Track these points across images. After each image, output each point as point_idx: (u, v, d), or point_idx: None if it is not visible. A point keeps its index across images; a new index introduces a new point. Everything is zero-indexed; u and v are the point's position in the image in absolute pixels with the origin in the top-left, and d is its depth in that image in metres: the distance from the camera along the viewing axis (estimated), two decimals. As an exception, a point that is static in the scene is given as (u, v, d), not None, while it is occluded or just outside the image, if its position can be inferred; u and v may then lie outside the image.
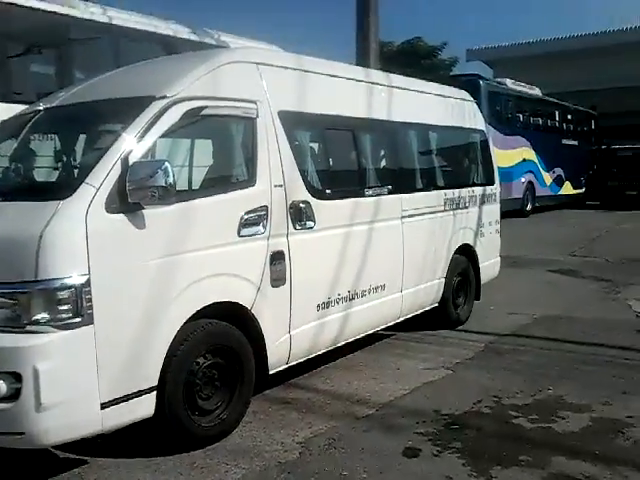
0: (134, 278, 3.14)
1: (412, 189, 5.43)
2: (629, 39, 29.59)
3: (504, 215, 16.87)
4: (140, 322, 3.16)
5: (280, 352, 4.00)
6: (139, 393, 3.16)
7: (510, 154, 17.49)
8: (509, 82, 18.75)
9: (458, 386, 4.49)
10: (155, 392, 3.23)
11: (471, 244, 6.30)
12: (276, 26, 47.73)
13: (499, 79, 19.55)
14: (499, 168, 17.57)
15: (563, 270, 9.29)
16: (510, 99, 17.97)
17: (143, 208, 3.15)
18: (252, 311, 3.75)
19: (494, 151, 7.48)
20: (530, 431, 3.72)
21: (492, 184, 6.90)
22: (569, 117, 22.11)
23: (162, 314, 3.25)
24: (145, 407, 3.20)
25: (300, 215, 4.08)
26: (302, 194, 4.13)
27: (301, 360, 4.30)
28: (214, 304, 3.52)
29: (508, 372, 4.77)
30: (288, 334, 4.04)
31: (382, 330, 5.29)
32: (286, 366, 4.15)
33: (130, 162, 3.16)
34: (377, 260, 4.82)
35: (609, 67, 28.82)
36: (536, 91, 20.43)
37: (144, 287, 3.19)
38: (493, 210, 6.85)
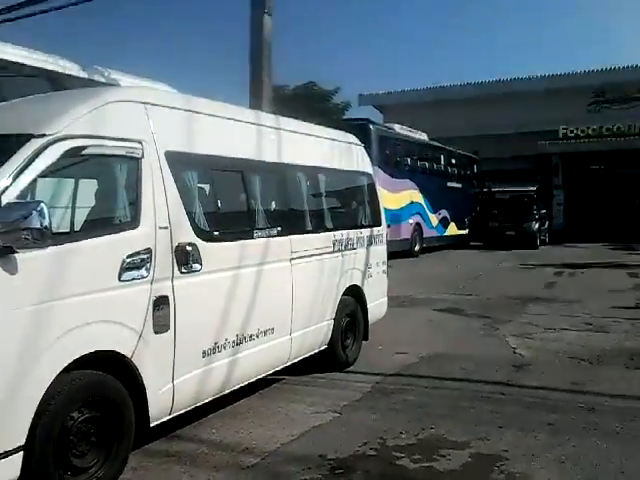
0: (1, 327, 2.93)
1: (301, 230, 5.49)
2: (508, 89, 31.89)
3: (394, 256, 17.56)
4: (7, 376, 2.94)
5: (163, 402, 3.84)
6: (4, 454, 2.92)
7: (399, 196, 18.19)
8: (397, 127, 19.62)
9: (345, 429, 4.51)
10: (22, 452, 3.00)
11: (359, 285, 6.43)
12: (177, 67, 47.40)
13: (388, 124, 20.44)
14: (389, 210, 18.26)
15: (448, 309, 9.69)
16: (398, 143, 18.77)
17: (15, 252, 2.97)
18: (132, 360, 3.59)
19: (381, 193, 7.75)
20: (412, 471, 3.80)
21: (379, 225, 7.12)
22: (453, 161, 23.39)
23: (33, 366, 3.05)
24: (9, 469, 2.96)
25: (186, 258, 4.00)
26: (188, 236, 4.06)
27: (186, 410, 4.16)
28: (91, 354, 3.34)
29: (393, 412, 4.86)
30: (171, 383, 3.89)
31: (271, 375, 5.24)
32: (169, 417, 4.00)
33: (2, 202, 2.99)
34: (266, 303, 4.80)
35: (490, 115, 30.90)
36: (423, 136, 21.51)
37: (13, 337, 2.98)
38: (380, 251, 7.04)
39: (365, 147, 7.22)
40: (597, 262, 17.21)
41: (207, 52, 66.95)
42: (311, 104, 31.65)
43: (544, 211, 25.68)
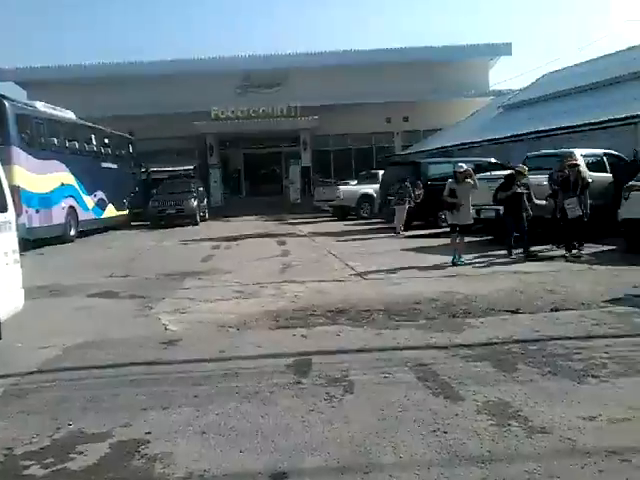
0: None
1: None
2: (163, 71, 31.85)
3: (47, 242, 16.11)
4: None
5: None
6: None
7: (47, 179, 16.72)
8: (40, 105, 17.88)
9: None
10: None
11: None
12: None
13: (30, 102, 18.54)
14: (37, 194, 16.60)
15: (101, 293, 9.17)
16: (41, 122, 17.12)
17: None
18: None
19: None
20: (42, 478, 3.38)
21: (4, 211, 6.24)
22: (107, 141, 22.40)
23: None
24: None
25: None
26: None
27: None
28: None
29: (27, 415, 4.30)
30: None
31: None
32: None
33: None
34: None
35: (146, 94, 30.49)
36: (70, 115, 20.05)
37: None
38: (7, 239, 6.19)
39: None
40: (251, 234, 18.39)
41: None
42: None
43: (202, 189, 26.45)
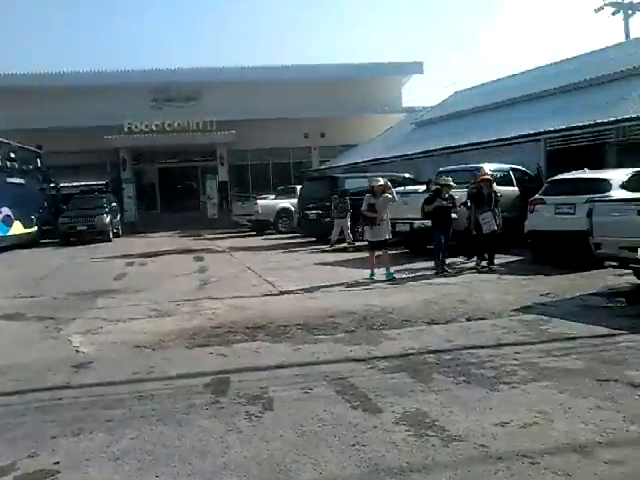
0: None
1: None
2: (66, 83, 30.81)
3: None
4: None
5: None
6: None
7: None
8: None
9: None
10: None
11: None
12: None
13: None
14: None
15: (6, 315, 8.67)
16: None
17: None
18: None
19: None
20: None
21: None
22: (12, 155, 21.38)
23: None
24: None
25: None
26: None
27: None
28: None
29: None
30: None
31: None
32: None
33: None
34: None
35: (56, 107, 29.41)
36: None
37: None
38: None
39: None
40: (167, 250, 18.01)
41: None
42: None
43: (115, 204, 25.70)
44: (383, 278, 10.47)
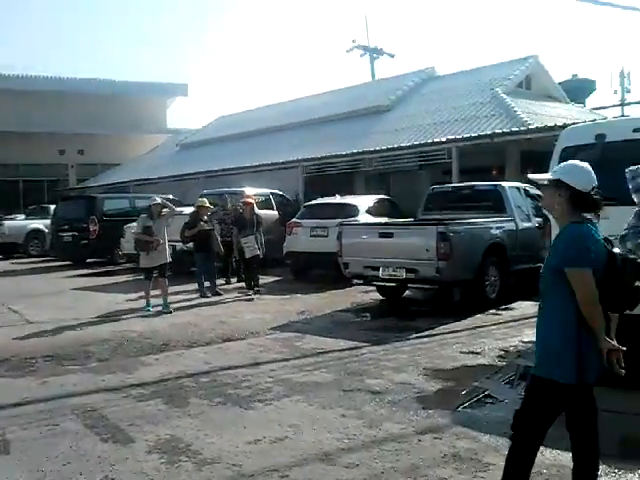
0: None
1: None
2: None
3: None
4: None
5: None
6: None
7: None
8: None
9: None
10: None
11: None
12: None
13: None
14: None
15: None
16: None
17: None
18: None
19: None
20: None
21: None
22: None
23: None
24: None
25: None
26: None
27: None
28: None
29: None
30: None
31: None
32: None
33: None
34: None
35: None
36: None
37: None
38: None
39: None
40: None
41: None
42: None
43: None
44: (160, 309, 9.37)
